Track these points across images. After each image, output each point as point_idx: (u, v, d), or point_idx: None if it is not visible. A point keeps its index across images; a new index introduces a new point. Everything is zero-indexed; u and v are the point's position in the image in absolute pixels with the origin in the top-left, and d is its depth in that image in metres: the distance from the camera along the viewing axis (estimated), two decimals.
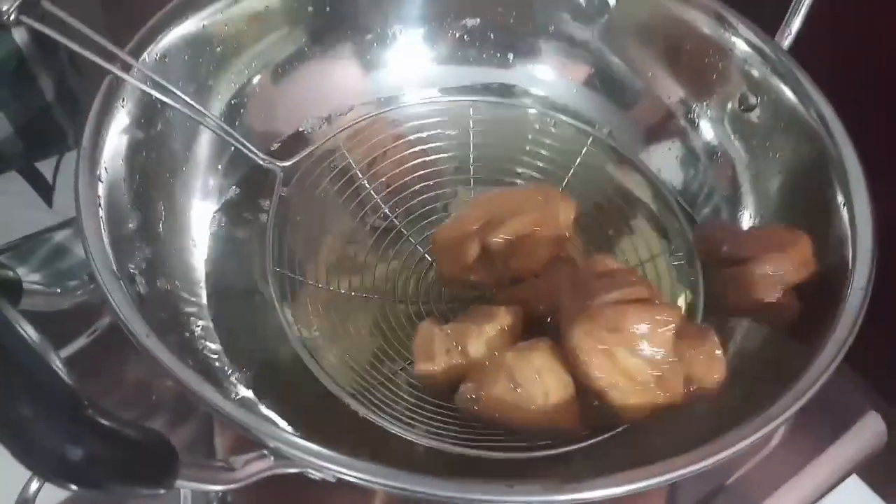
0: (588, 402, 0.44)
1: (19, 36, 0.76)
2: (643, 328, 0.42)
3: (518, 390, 0.43)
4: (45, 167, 0.68)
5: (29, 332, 0.29)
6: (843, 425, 0.53)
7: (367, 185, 0.55)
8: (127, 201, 0.45)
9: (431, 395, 0.47)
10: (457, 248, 0.49)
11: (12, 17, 0.44)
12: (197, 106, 0.48)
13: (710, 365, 0.44)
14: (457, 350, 0.46)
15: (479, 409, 0.44)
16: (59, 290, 0.37)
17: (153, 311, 0.41)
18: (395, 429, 0.44)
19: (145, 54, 0.48)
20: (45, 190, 0.67)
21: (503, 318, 0.46)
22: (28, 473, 0.30)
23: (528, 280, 0.49)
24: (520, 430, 0.45)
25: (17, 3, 0.43)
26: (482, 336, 0.46)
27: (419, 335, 0.47)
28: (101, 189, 0.42)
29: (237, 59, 0.53)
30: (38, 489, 0.33)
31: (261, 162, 0.51)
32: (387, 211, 0.54)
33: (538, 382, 0.43)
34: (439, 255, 0.51)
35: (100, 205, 0.41)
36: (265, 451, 0.34)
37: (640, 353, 0.42)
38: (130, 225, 0.45)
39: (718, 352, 0.44)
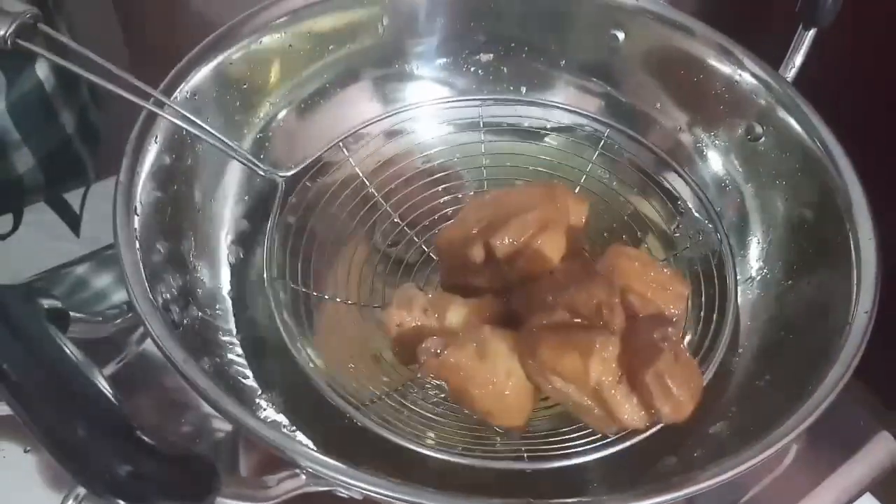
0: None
1: (42, 71, 0.79)
2: (570, 365, 0.42)
3: (483, 362, 0.43)
4: (73, 198, 0.70)
5: (77, 356, 0.31)
6: (855, 444, 0.54)
7: (382, 204, 0.55)
8: (159, 232, 0.47)
9: (397, 358, 0.47)
10: (459, 252, 0.48)
11: (9, 42, 0.44)
12: (199, 122, 0.49)
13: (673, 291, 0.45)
14: (434, 315, 0.45)
15: (436, 366, 0.43)
16: (100, 319, 0.39)
17: (186, 337, 0.43)
18: (411, 445, 0.44)
19: (177, 92, 0.50)
20: (72, 220, 0.69)
21: (489, 302, 0.46)
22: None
23: (542, 277, 0.48)
24: (466, 405, 0.44)
25: (12, 28, 0.43)
26: (463, 308, 0.45)
27: (401, 290, 0.46)
28: (137, 222, 0.44)
29: (262, 97, 0.55)
30: None
31: (262, 174, 0.52)
32: (398, 219, 0.55)
33: (506, 362, 0.43)
34: (442, 258, 0.50)
35: (136, 237, 0.43)
36: (297, 471, 0.36)
37: (570, 386, 0.42)
38: (163, 255, 0.47)
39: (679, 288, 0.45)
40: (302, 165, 0.54)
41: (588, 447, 0.45)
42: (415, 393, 0.49)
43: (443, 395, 0.48)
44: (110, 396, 0.30)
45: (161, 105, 0.48)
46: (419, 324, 0.45)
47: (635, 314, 0.45)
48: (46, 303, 0.33)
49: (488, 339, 0.44)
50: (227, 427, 0.51)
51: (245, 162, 0.51)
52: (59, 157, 0.83)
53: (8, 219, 0.68)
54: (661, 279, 0.47)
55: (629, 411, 0.42)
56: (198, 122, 0.48)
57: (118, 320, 0.40)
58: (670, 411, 0.42)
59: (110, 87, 0.47)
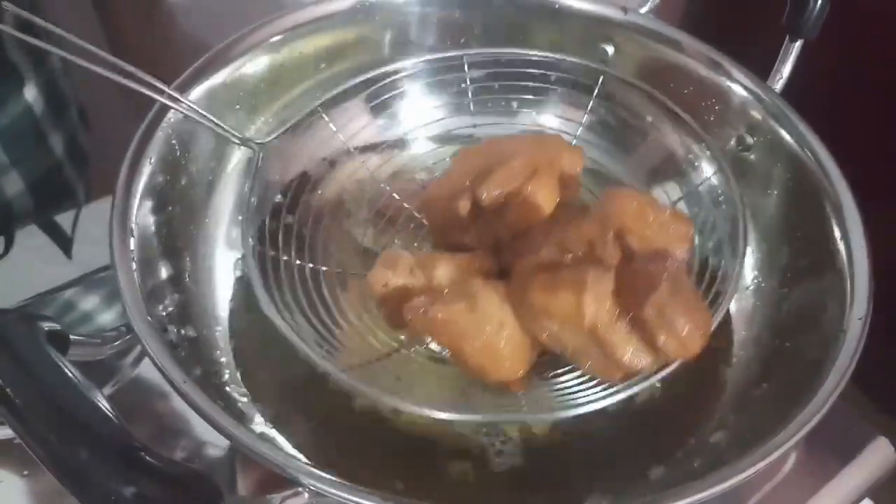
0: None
1: (30, 94, 0.79)
2: (563, 305, 0.39)
3: (472, 316, 0.40)
4: (63, 220, 0.70)
5: (79, 378, 0.31)
6: (852, 450, 0.54)
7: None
8: (155, 254, 0.47)
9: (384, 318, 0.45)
10: (446, 208, 0.45)
11: None
12: (160, 85, 0.48)
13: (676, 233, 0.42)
14: (421, 273, 0.43)
15: (425, 324, 0.41)
16: (99, 341, 0.39)
17: (184, 357, 0.43)
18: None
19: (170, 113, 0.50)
20: (64, 242, 0.69)
21: (479, 257, 0.44)
22: None
23: (535, 227, 0.45)
24: (458, 362, 0.42)
25: None
26: (451, 265, 0.43)
27: (386, 252, 0.44)
28: (133, 243, 0.44)
29: (256, 115, 0.56)
30: None
31: (236, 141, 0.51)
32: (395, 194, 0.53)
33: (497, 314, 0.41)
34: (430, 216, 0.48)
35: (133, 258, 0.43)
36: (300, 489, 0.36)
37: (565, 329, 0.40)
38: (159, 276, 0.47)
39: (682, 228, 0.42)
40: (278, 132, 0.53)
41: (594, 397, 0.43)
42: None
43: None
44: (113, 418, 0.30)
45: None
46: (405, 283, 0.43)
47: (632, 254, 0.42)
48: (46, 325, 0.33)
49: (478, 291, 0.41)
50: (222, 448, 0.51)
51: (219, 129, 0.50)
52: (49, 180, 0.83)
53: None
54: (661, 219, 0.43)
55: (631, 351, 0.39)
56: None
57: (117, 342, 0.40)
58: (676, 347, 0.39)
59: (87, 64, 0.46)
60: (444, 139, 0.62)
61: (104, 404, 0.31)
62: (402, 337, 0.47)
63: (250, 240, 0.47)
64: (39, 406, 0.29)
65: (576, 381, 0.45)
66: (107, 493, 0.28)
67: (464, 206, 0.44)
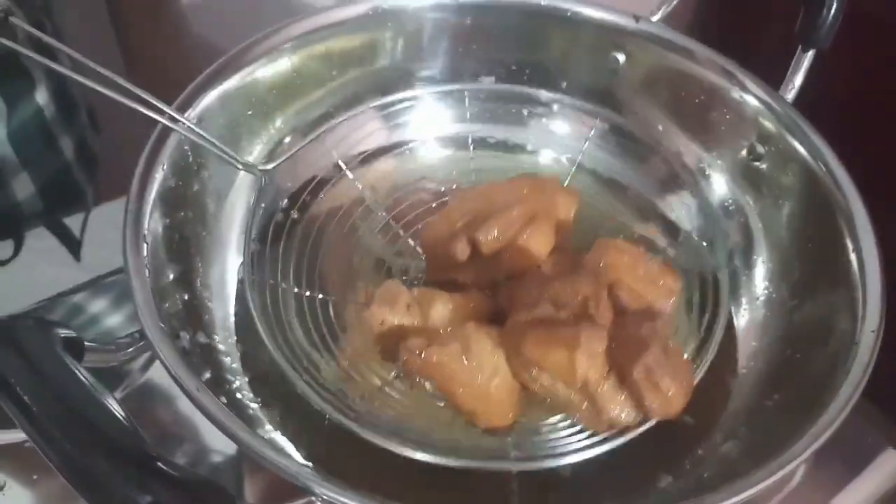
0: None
1: (41, 97, 0.79)
2: (556, 360, 0.41)
3: (466, 361, 0.42)
4: (72, 222, 0.71)
5: (94, 384, 0.31)
6: (862, 462, 0.54)
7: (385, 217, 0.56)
8: (168, 259, 0.47)
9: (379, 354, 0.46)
10: (443, 247, 0.47)
11: None
12: (170, 111, 0.49)
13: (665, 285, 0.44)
14: (418, 311, 0.44)
15: (419, 365, 0.42)
16: (113, 347, 0.39)
17: (195, 364, 0.43)
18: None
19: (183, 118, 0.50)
20: (72, 245, 0.69)
21: (474, 298, 0.45)
22: None
23: (528, 273, 0.47)
24: (451, 403, 0.43)
25: None
26: (448, 305, 0.44)
27: (384, 287, 0.45)
28: (146, 250, 0.44)
29: (267, 122, 0.56)
30: None
31: (239, 167, 0.51)
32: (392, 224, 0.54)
33: (490, 360, 0.42)
34: (427, 254, 0.49)
35: (146, 265, 0.43)
36: (313, 498, 0.36)
37: (557, 382, 0.42)
38: (171, 282, 0.47)
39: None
40: (281, 160, 0.53)
41: (580, 446, 0.44)
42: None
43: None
44: (128, 425, 0.30)
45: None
46: (402, 322, 0.44)
47: (624, 309, 0.44)
48: (62, 332, 0.33)
49: (472, 336, 0.42)
50: (226, 455, 0.51)
51: (222, 154, 0.50)
52: (59, 183, 0.83)
53: (9, 244, 0.68)
54: (651, 273, 0.46)
55: (618, 407, 0.41)
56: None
57: (130, 349, 0.40)
58: (659, 406, 0.41)
59: (90, 84, 0.46)
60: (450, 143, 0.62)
61: (119, 411, 0.31)
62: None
63: (251, 270, 0.48)
64: (56, 413, 0.29)
65: (563, 429, 0.46)
66: (123, 500, 0.28)
67: (462, 249, 0.46)
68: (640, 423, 0.43)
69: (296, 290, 0.51)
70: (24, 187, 0.80)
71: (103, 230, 0.70)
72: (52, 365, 0.31)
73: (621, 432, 0.44)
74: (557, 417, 0.47)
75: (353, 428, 0.43)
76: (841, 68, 0.62)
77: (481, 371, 0.42)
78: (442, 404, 0.46)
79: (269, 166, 0.53)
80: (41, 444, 0.29)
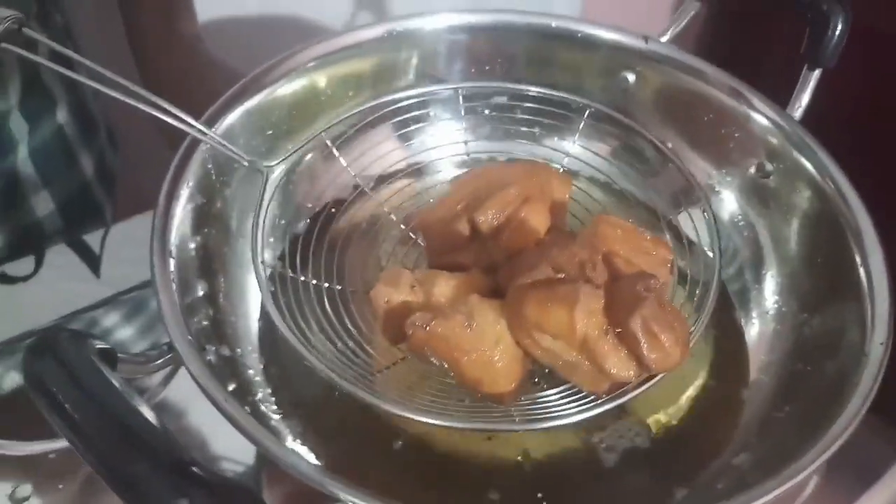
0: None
1: (62, 116, 0.81)
2: (555, 319, 0.42)
3: (470, 330, 0.43)
4: (92, 239, 0.72)
5: (129, 392, 0.32)
6: (872, 475, 0.55)
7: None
8: (193, 274, 0.48)
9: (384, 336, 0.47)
10: (443, 230, 0.48)
11: None
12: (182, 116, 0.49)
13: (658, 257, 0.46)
14: (421, 290, 0.45)
15: (424, 339, 0.43)
16: (143, 360, 0.40)
17: (221, 376, 0.45)
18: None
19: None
20: (92, 261, 0.71)
21: (476, 276, 0.47)
22: None
23: (529, 249, 0.48)
24: (455, 375, 0.44)
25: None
26: (450, 283, 0.45)
27: (387, 272, 0.47)
28: (172, 265, 0.46)
29: (287, 141, 0.57)
30: None
31: (245, 164, 0.52)
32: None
33: (493, 329, 0.43)
34: (427, 238, 0.50)
35: (173, 280, 0.45)
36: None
37: (557, 342, 0.43)
38: (197, 296, 0.48)
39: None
40: (286, 155, 0.54)
41: (583, 408, 0.45)
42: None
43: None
44: (163, 431, 0.31)
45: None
46: (407, 300, 0.45)
47: (619, 274, 0.45)
48: (97, 344, 0.35)
49: (475, 307, 0.44)
50: (243, 464, 0.52)
51: (227, 151, 0.51)
52: (79, 200, 0.84)
53: (30, 261, 0.69)
54: (644, 245, 0.47)
55: (617, 363, 0.42)
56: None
57: (159, 360, 0.41)
58: (658, 358, 0.42)
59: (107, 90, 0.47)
60: (466, 161, 0.63)
61: (153, 418, 0.32)
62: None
63: (260, 261, 0.49)
64: (95, 419, 0.31)
65: (564, 395, 0.47)
66: (160, 502, 0.29)
67: (464, 227, 0.47)
68: (640, 384, 0.44)
69: (317, 283, 0.52)
70: (44, 205, 0.81)
71: (122, 247, 0.71)
72: (89, 374, 0.32)
73: (622, 393, 0.44)
74: (560, 388, 0.47)
75: (368, 397, 0.44)
76: (846, 85, 0.63)
77: (484, 340, 0.43)
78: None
79: (273, 162, 0.53)
80: (82, 450, 0.30)
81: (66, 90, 0.82)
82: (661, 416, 0.51)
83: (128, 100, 0.47)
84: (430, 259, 0.52)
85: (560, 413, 0.45)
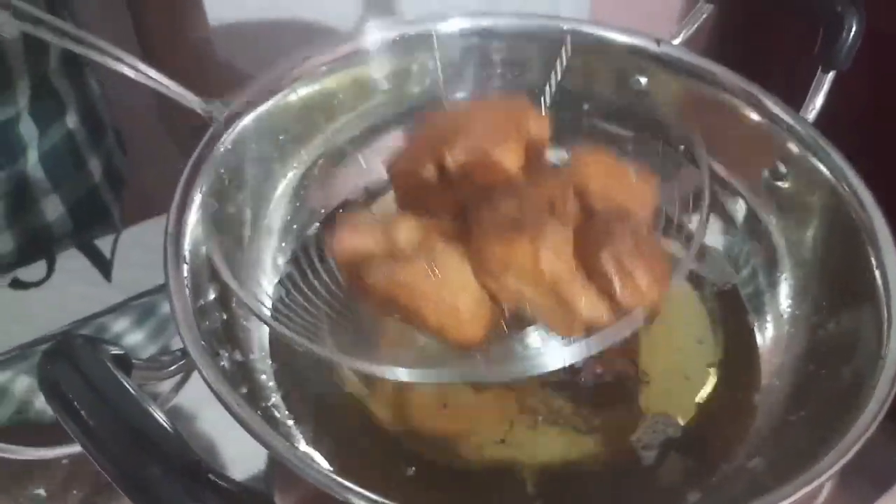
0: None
1: (72, 120, 0.81)
2: (521, 256, 0.39)
3: (434, 276, 0.40)
4: (103, 244, 0.72)
5: (144, 397, 0.32)
6: (888, 480, 0.54)
7: None
8: (205, 280, 0.48)
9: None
10: (410, 171, 0.46)
11: None
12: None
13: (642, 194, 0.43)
14: (383, 238, 0.42)
15: (384, 286, 0.41)
16: (158, 366, 0.40)
17: (234, 381, 0.44)
18: None
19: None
20: (104, 266, 0.71)
21: (443, 221, 0.44)
22: None
23: (496, 188, 0.44)
24: (418, 323, 0.42)
25: None
26: (415, 227, 0.43)
27: (347, 215, 0.45)
28: (186, 270, 0.46)
29: (299, 146, 0.57)
30: None
31: (200, 111, 0.51)
32: None
33: (459, 274, 0.41)
34: (396, 184, 0.48)
35: (186, 285, 0.45)
36: None
37: (523, 282, 0.40)
38: (209, 301, 0.48)
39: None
40: (238, 101, 0.53)
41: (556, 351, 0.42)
42: None
43: None
44: (179, 438, 0.31)
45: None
46: (368, 248, 0.43)
47: (593, 212, 0.43)
48: (111, 349, 0.35)
49: (439, 253, 0.41)
50: (249, 472, 0.53)
51: (175, 95, 0.50)
52: (87, 203, 0.85)
53: (41, 266, 0.69)
54: (627, 183, 0.45)
55: (588, 303, 0.40)
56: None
57: (173, 367, 0.41)
58: (631, 295, 0.39)
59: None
60: None
61: (168, 423, 0.32)
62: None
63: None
64: (111, 425, 0.30)
65: (538, 342, 0.45)
66: None
67: (431, 168, 0.44)
68: (610, 320, 0.41)
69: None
70: (54, 208, 0.82)
71: (133, 251, 0.71)
72: (104, 380, 0.32)
73: (595, 331, 0.41)
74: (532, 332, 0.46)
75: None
76: (859, 87, 0.62)
77: (448, 286, 0.40)
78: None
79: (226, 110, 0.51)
80: (97, 457, 0.30)
81: (75, 94, 0.82)
82: (674, 420, 0.51)
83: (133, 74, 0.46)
84: (398, 203, 0.49)
85: (531, 359, 0.43)
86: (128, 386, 0.32)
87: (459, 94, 0.61)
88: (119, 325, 0.63)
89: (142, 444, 0.30)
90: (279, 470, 0.52)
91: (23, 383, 0.57)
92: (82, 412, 0.30)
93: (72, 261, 0.70)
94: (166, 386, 0.55)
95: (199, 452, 0.50)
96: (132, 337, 0.63)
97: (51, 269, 0.70)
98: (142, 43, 0.86)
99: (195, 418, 0.57)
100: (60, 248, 0.72)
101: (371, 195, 0.59)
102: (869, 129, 0.67)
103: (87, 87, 0.85)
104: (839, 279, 0.52)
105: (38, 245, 0.80)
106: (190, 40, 0.85)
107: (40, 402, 0.56)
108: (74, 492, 0.51)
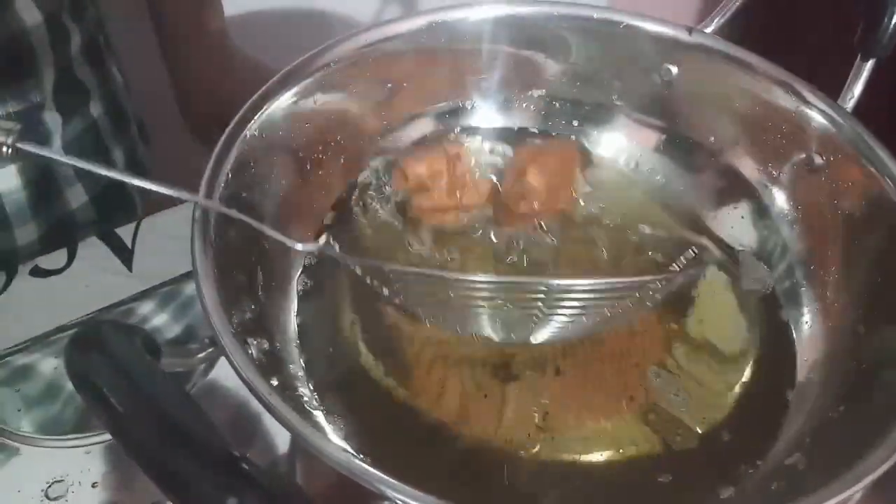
0: None
1: (96, 109, 0.81)
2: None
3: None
4: (124, 232, 0.72)
5: (176, 385, 0.32)
6: None
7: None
8: (233, 267, 0.47)
9: None
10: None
11: (10, 151, 0.40)
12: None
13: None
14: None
15: None
16: (187, 353, 0.40)
17: (264, 370, 0.44)
18: None
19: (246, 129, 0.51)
20: (125, 254, 0.71)
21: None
22: None
23: None
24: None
25: (12, 137, 0.40)
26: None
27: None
28: (212, 257, 0.45)
29: (324, 134, 0.57)
30: None
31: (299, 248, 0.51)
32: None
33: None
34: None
35: (214, 271, 0.44)
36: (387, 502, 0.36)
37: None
38: (237, 289, 0.47)
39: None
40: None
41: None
42: None
43: None
44: (211, 426, 0.31)
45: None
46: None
47: None
48: (141, 335, 0.34)
49: None
50: (267, 462, 0.52)
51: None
52: (111, 193, 0.85)
53: (62, 254, 0.69)
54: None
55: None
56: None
57: (202, 353, 0.40)
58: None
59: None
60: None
61: (203, 413, 0.31)
62: None
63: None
64: (142, 414, 0.30)
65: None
66: (209, 501, 0.28)
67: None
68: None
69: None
70: (78, 197, 0.82)
71: (154, 239, 0.71)
72: (135, 366, 0.32)
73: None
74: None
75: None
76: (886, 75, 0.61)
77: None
78: None
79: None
80: (127, 445, 0.30)
81: (98, 83, 0.82)
82: (707, 415, 0.50)
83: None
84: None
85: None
86: (159, 372, 0.31)
87: (487, 82, 0.60)
88: (145, 307, 0.64)
89: (173, 432, 0.29)
90: (302, 461, 0.51)
91: (49, 364, 0.57)
92: (112, 400, 0.29)
93: (92, 249, 0.70)
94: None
95: None
96: (158, 318, 0.63)
97: (72, 257, 0.70)
98: (160, 36, 0.86)
99: (211, 408, 0.56)
100: (83, 237, 0.72)
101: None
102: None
103: (111, 76, 0.85)
104: (880, 272, 0.51)
105: (61, 234, 0.80)
106: (209, 33, 0.85)
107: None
108: (95, 483, 0.51)
